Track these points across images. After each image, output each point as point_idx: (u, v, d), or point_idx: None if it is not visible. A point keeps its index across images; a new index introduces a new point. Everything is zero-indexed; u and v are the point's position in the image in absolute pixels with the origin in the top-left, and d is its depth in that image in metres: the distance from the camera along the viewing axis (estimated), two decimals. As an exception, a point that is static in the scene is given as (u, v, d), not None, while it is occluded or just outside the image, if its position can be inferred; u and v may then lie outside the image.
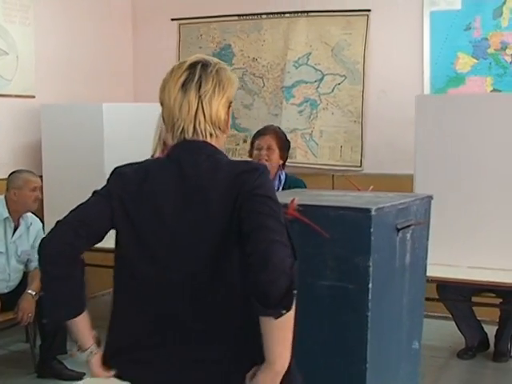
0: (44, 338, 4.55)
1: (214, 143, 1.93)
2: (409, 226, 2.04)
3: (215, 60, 1.94)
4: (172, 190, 1.84)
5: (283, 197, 1.98)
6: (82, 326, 1.91)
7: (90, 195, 1.96)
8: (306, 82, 6.19)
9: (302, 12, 6.17)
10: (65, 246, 1.86)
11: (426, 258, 2.25)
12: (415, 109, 4.46)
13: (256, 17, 6.37)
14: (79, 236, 1.86)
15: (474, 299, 4.94)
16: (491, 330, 4.94)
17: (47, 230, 5.60)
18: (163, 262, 1.83)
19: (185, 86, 1.87)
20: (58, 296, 1.89)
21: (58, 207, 5.38)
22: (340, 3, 6.04)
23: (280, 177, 4.33)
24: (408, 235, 2.08)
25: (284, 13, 6.24)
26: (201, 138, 1.90)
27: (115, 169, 1.95)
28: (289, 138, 6.19)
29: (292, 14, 6.21)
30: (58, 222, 1.91)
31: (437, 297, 4.78)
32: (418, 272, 2.19)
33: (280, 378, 1.68)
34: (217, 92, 1.88)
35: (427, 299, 4.66)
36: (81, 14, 6.36)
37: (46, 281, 1.90)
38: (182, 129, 1.90)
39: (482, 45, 5.59)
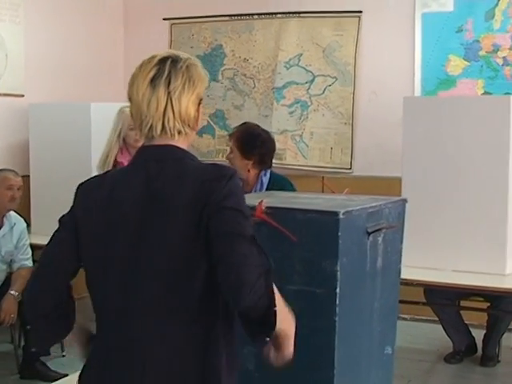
0: (27, 339, 4.52)
1: (182, 141, 1.87)
2: (380, 230, 2.00)
3: (186, 55, 1.89)
4: (138, 200, 1.78)
5: (252, 199, 1.95)
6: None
7: None
8: (297, 83, 6.16)
9: (293, 13, 6.14)
10: (45, 302, 1.85)
11: (400, 262, 2.21)
12: (403, 111, 4.43)
13: (248, 17, 6.34)
14: (53, 285, 1.85)
15: (462, 303, 4.91)
16: (479, 334, 4.91)
17: (34, 229, 5.57)
18: (128, 279, 1.78)
19: (154, 82, 1.82)
20: (43, 334, 1.91)
21: (45, 207, 5.45)
22: (331, 4, 6.01)
23: (262, 179, 3.99)
24: (379, 239, 2.05)
25: (276, 13, 6.22)
26: (169, 136, 1.84)
27: (79, 186, 1.91)
28: (279, 139, 6.23)
29: (284, 15, 6.18)
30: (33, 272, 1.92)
31: (424, 300, 4.75)
32: (390, 276, 2.15)
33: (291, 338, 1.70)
34: (186, 88, 1.82)
35: (415, 303, 4.70)
36: (72, 13, 6.33)
37: (31, 325, 1.91)
38: (151, 126, 1.83)
39: (474, 47, 5.56)
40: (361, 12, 5.92)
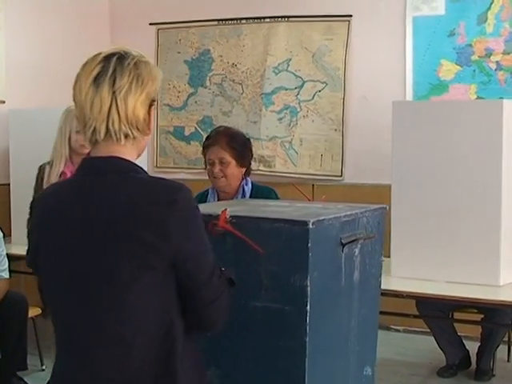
0: (3, 353, 4.35)
1: (130, 147, 1.71)
2: (356, 241, 1.84)
3: (136, 53, 1.73)
4: (77, 219, 1.65)
5: (216, 207, 1.79)
6: None
7: None
8: (286, 89, 6.01)
9: (282, 17, 6.00)
10: None
11: (380, 276, 2.04)
12: (392, 115, 4.27)
13: (235, 21, 6.20)
14: None
15: (456, 315, 4.75)
16: (473, 347, 4.74)
17: (14, 239, 5.41)
18: (70, 300, 1.68)
19: (97, 81, 1.66)
20: None
21: (26, 216, 5.27)
22: (321, 8, 5.87)
23: (244, 189, 3.55)
24: (356, 250, 1.89)
25: (264, 18, 6.07)
26: (114, 140, 1.68)
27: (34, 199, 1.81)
28: (268, 146, 6.10)
29: (272, 19, 6.04)
30: None
31: (416, 313, 4.59)
32: (369, 291, 1.99)
33: None
34: (134, 87, 1.67)
35: (405, 315, 4.54)
36: (56, 18, 6.18)
37: None
38: (94, 129, 1.68)
39: (466, 51, 5.41)
40: (351, 16, 5.78)
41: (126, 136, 1.68)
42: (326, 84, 5.88)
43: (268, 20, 6.06)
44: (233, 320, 1.80)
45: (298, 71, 5.97)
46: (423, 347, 5.23)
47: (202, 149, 3.77)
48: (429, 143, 4.15)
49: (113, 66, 1.67)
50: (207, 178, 3.73)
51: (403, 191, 4.24)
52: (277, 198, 3.54)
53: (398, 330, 5.73)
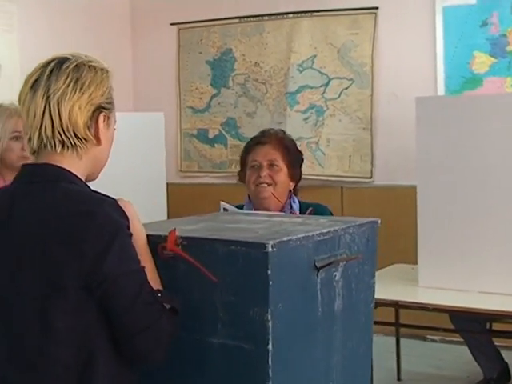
0: None
1: (73, 157, 1.53)
2: (334, 263, 1.57)
3: (81, 56, 1.58)
4: (2, 232, 1.50)
5: (169, 226, 1.54)
6: None
7: None
8: (311, 87, 5.73)
9: (305, 12, 5.71)
10: None
11: (372, 301, 1.75)
12: (416, 112, 3.96)
13: (257, 18, 5.94)
14: None
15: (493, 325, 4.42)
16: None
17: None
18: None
19: (34, 87, 1.54)
20: None
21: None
22: (346, 1, 5.57)
23: (292, 206, 2.82)
24: (337, 274, 1.61)
25: (287, 13, 5.80)
26: (50, 149, 1.53)
27: None
28: (293, 147, 5.82)
29: (295, 15, 5.76)
30: None
31: (449, 324, 4.26)
32: (357, 320, 1.70)
33: None
34: (70, 91, 1.51)
35: (435, 329, 4.21)
36: (75, 20, 6.03)
37: None
38: (30, 138, 1.54)
39: (501, 42, 5.05)
40: (377, 8, 5.46)
41: (63, 145, 1.51)
42: (353, 81, 5.58)
43: (291, 16, 5.78)
44: (187, 358, 1.56)
45: (323, 68, 5.68)
46: (461, 359, 4.89)
47: (243, 150, 2.99)
48: (457, 142, 3.83)
49: (49, 69, 1.55)
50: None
51: (429, 194, 3.94)
52: (332, 215, 2.86)
53: (434, 340, 5.41)
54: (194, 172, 6.25)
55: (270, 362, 1.41)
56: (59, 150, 1.51)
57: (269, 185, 2.71)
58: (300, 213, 2.81)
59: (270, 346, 1.41)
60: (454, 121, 3.84)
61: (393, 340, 4.56)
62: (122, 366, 1.47)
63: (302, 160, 2.95)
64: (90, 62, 1.58)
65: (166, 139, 6.06)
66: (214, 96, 6.19)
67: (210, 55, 6.17)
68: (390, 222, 5.52)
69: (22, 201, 1.48)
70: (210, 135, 6.22)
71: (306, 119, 5.76)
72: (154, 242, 1.52)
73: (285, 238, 1.43)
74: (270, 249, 1.38)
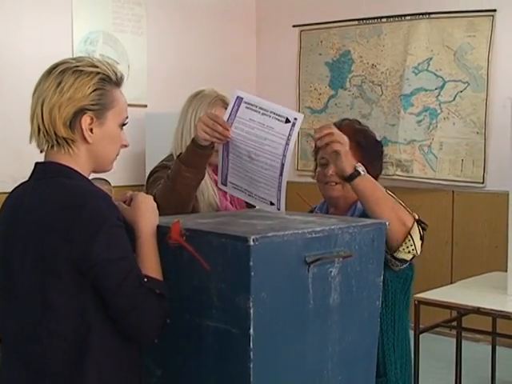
0: None
1: (67, 155, 1.69)
2: (324, 259, 1.66)
3: (71, 61, 1.70)
4: (10, 221, 1.71)
5: (188, 218, 1.71)
6: None
7: None
8: (426, 90, 5.71)
9: (423, 14, 5.70)
10: None
11: (379, 298, 1.83)
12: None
13: (376, 20, 5.98)
14: None
15: None
16: None
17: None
18: (3, 309, 1.74)
19: (34, 91, 1.71)
20: None
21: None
22: (463, 3, 5.51)
23: (356, 207, 2.44)
24: (333, 270, 1.70)
25: (405, 15, 5.81)
26: (43, 148, 1.71)
27: None
28: (406, 150, 5.82)
29: (413, 17, 5.76)
30: None
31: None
32: (360, 315, 1.79)
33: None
34: (52, 94, 1.66)
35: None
36: (200, 23, 6.32)
37: None
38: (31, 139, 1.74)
39: None
40: (495, 11, 5.36)
41: (49, 144, 1.69)
42: (468, 84, 5.51)
43: (409, 18, 5.78)
44: (189, 338, 1.72)
45: (439, 71, 5.65)
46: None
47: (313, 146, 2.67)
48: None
49: (42, 75, 1.71)
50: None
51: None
52: None
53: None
54: (310, 171, 6.33)
55: (251, 345, 1.55)
56: (46, 148, 1.68)
57: (337, 183, 2.44)
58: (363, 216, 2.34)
59: (251, 331, 1.55)
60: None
61: (489, 348, 4.49)
62: (119, 341, 1.63)
63: (382, 153, 2.60)
64: (77, 66, 1.67)
65: (283, 138, 6.23)
66: (331, 97, 6.30)
67: (329, 57, 6.29)
68: (500, 228, 5.42)
69: (30, 195, 1.67)
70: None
71: (419, 122, 5.75)
72: (163, 232, 1.70)
73: (269, 234, 1.56)
74: (251, 242, 1.52)
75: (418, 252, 2.11)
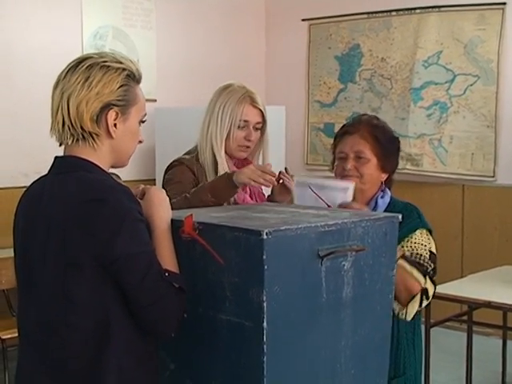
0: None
1: (88, 150, 1.70)
2: (339, 252, 1.66)
3: (95, 56, 1.71)
4: (30, 215, 1.72)
5: (195, 213, 1.72)
6: None
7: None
8: (436, 83, 5.69)
9: (433, 7, 5.68)
10: None
11: (391, 292, 1.83)
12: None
13: (385, 14, 5.97)
14: None
15: None
16: None
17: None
18: (23, 303, 1.75)
19: (56, 85, 1.71)
20: None
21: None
22: (473, -4, 5.49)
23: (377, 203, 2.48)
24: (346, 264, 1.70)
25: (414, 8, 5.79)
26: (66, 143, 1.71)
27: None
28: (416, 144, 5.80)
29: (423, 10, 5.74)
30: None
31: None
32: (372, 308, 1.79)
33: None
34: (79, 88, 1.66)
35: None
36: (209, 18, 6.33)
37: None
38: (52, 133, 1.74)
39: None
40: (505, 4, 5.34)
41: (73, 138, 1.68)
42: (479, 77, 5.49)
43: (418, 11, 5.77)
44: (203, 331, 1.73)
45: (449, 64, 5.63)
46: None
47: (333, 140, 2.76)
48: None
49: (67, 69, 1.70)
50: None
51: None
52: (419, 219, 2.47)
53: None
54: (319, 165, 6.37)
55: (265, 339, 1.55)
56: (70, 142, 1.68)
57: (357, 178, 2.47)
58: (386, 211, 2.46)
59: (265, 324, 1.55)
60: None
61: (500, 342, 4.48)
62: (137, 335, 1.63)
63: (399, 148, 2.64)
64: (105, 62, 1.68)
65: (293, 133, 6.23)
66: (341, 91, 6.29)
67: (339, 50, 6.28)
68: (511, 222, 5.42)
69: (50, 189, 1.67)
70: (336, 129, 6.30)
71: (429, 115, 5.74)
72: (176, 226, 1.70)
73: (282, 227, 1.56)
74: (264, 236, 1.52)
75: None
